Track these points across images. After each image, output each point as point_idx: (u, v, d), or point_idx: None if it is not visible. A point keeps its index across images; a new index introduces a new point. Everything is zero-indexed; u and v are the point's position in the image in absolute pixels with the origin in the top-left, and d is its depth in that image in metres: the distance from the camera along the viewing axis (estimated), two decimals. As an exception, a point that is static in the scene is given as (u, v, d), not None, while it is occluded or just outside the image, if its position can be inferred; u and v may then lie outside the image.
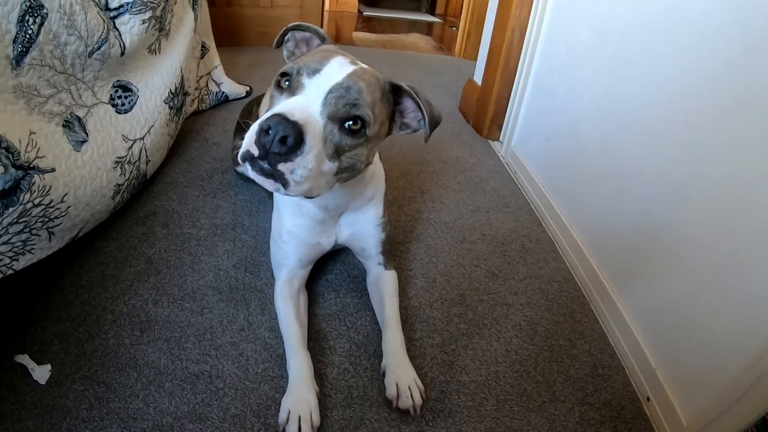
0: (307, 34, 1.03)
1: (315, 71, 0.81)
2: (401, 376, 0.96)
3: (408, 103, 0.95)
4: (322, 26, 3.68)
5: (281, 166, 0.74)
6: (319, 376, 0.99)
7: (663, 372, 1.04)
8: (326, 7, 3.69)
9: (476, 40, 3.76)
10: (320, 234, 1.10)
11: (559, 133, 1.67)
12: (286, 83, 0.83)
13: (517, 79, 2.07)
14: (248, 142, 0.75)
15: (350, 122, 0.80)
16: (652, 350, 1.08)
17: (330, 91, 0.79)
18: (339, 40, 4.21)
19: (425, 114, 0.90)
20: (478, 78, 2.44)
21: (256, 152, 0.74)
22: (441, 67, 3.60)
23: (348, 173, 0.86)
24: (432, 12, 7.26)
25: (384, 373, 0.99)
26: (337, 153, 0.80)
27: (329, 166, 0.80)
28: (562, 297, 1.30)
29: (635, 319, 1.16)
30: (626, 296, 1.20)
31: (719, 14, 0.99)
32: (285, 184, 0.75)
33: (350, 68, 0.83)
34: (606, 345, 1.17)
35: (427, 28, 5.79)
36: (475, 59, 2.54)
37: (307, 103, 0.78)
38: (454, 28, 5.72)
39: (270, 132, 0.71)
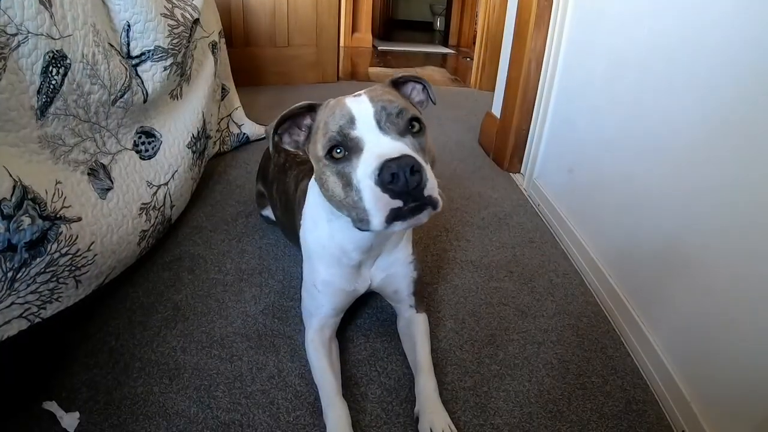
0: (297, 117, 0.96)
1: (350, 120, 0.81)
2: (435, 422, 0.94)
3: (407, 88, 1.00)
4: (338, 63, 3.73)
5: (426, 191, 0.74)
6: (352, 423, 0.96)
7: (698, 405, 1.00)
8: (341, 43, 3.73)
9: (491, 70, 3.78)
10: (356, 280, 1.09)
11: (582, 164, 1.66)
12: (338, 152, 0.81)
13: (536, 111, 2.07)
14: (381, 204, 0.74)
15: (410, 126, 0.82)
16: (686, 382, 1.05)
17: (378, 120, 0.80)
18: (355, 76, 4.25)
19: (423, 82, 0.98)
20: (496, 110, 2.44)
21: (401, 203, 0.73)
22: (458, 99, 3.63)
23: (434, 169, 0.86)
24: (445, 43, 7.35)
25: (417, 419, 0.97)
26: (424, 154, 0.82)
27: (429, 168, 0.80)
28: (592, 332, 1.27)
29: (666, 350, 1.12)
30: (656, 327, 1.17)
31: (735, 42, 0.98)
32: (434, 204, 0.76)
33: (363, 97, 0.84)
34: (639, 379, 1.14)
35: (442, 60, 5.87)
36: (491, 89, 2.54)
37: (379, 141, 0.78)
38: (468, 59, 5.77)
39: (398, 176, 0.71)
